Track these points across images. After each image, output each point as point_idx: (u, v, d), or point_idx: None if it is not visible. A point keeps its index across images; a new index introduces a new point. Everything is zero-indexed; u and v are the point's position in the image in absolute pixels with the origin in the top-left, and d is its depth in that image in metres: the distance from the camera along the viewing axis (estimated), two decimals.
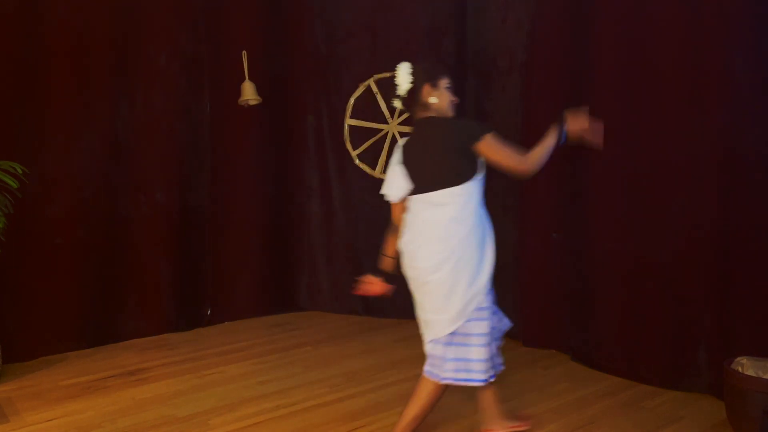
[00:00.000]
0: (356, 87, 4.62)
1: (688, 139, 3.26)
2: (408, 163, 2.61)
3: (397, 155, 2.67)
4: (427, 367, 2.61)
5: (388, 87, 4.63)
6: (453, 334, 2.52)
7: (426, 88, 2.58)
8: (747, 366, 2.86)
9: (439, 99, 2.59)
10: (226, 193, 4.55)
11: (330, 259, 4.84)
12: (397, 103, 2.67)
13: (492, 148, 2.48)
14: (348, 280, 4.82)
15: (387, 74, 4.55)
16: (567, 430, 2.94)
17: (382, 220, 4.72)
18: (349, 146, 4.65)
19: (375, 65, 4.61)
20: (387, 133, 4.60)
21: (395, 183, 2.64)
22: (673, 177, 3.32)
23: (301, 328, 4.47)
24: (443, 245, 2.48)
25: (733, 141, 3.13)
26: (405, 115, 4.52)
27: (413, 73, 2.58)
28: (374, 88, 4.58)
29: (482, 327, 2.53)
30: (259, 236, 4.70)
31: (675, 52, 3.29)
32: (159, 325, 4.25)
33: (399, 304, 4.74)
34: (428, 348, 2.59)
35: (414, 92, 2.58)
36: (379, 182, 4.63)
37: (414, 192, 2.58)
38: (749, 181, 3.09)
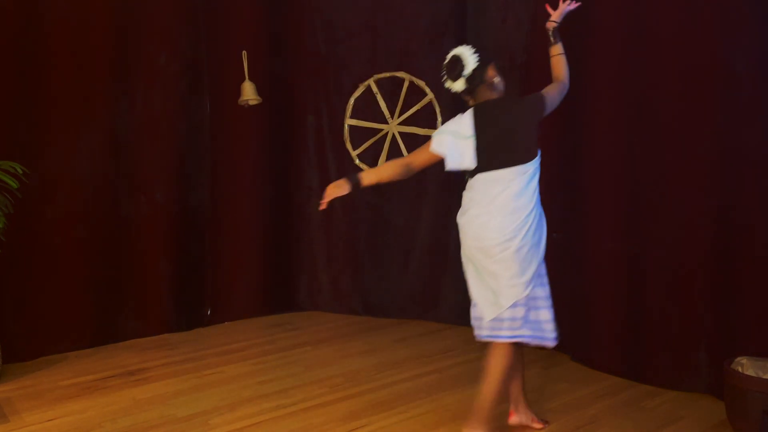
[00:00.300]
0: (356, 87, 4.62)
1: (688, 138, 3.26)
2: (481, 140, 2.68)
3: (460, 127, 2.72)
4: (505, 333, 2.68)
5: (389, 86, 4.66)
6: (527, 297, 2.70)
7: (491, 68, 2.74)
8: (747, 366, 2.86)
9: (500, 79, 2.78)
10: (226, 193, 4.55)
11: (330, 259, 4.84)
12: (459, 84, 2.72)
13: (550, 100, 2.74)
14: (348, 280, 4.83)
15: (387, 74, 4.55)
16: (567, 430, 2.94)
17: (383, 220, 4.76)
18: (349, 146, 4.65)
19: (375, 65, 4.61)
20: (387, 133, 4.60)
21: (464, 154, 2.70)
22: (673, 176, 3.32)
23: (301, 328, 4.47)
24: (514, 216, 2.63)
25: (733, 140, 3.13)
26: (405, 115, 4.52)
27: (477, 53, 2.70)
28: (374, 88, 4.57)
29: (546, 291, 2.80)
30: (259, 236, 4.70)
31: (675, 51, 3.28)
32: (159, 325, 4.25)
33: (399, 303, 4.76)
34: (508, 313, 2.67)
35: (480, 71, 2.70)
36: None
37: (484, 168, 2.68)
38: (750, 180, 3.09)
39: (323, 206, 2.75)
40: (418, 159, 2.77)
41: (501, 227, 2.63)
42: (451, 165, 2.72)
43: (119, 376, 3.54)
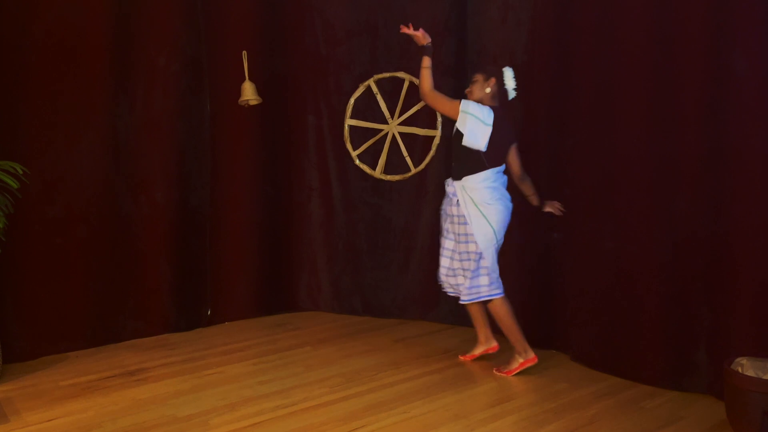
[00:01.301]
0: (356, 87, 4.62)
1: (687, 136, 3.26)
2: (497, 136, 3.46)
3: (488, 118, 3.44)
4: (496, 290, 3.55)
5: (389, 86, 4.66)
6: None
7: None
8: (747, 366, 2.86)
9: None
10: (226, 193, 4.55)
11: (330, 259, 4.84)
12: (513, 93, 3.60)
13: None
14: (348, 280, 4.83)
15: (387, 74, 4.55)
16: (567, 430, 2.94)
17: (382, 220, 4.76)
18: (349, 146, 4.65)
19: (375, 65, 4.61)
20: (387, 133, 4.60)
21: (483, 137, 3.42)
22: (672, 175, 3.32)
23: (301, 328, 4.47)
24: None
25: (732, 138, 3.13)
26: (405, 115, 4.53)
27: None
28: (374, 88, 4.57)
29: None
30: (259, 236, 4.70)
31: (672, 49, 3.28)
32: (159, 325, 4.25)
33: (399, 303, 4.76)
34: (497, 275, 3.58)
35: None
36: (379, 182, 4.67)
37: (500, 162, 3.52)
38: (749, 179, 3.09)
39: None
40: (442, 105, 3.53)
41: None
42: (467, 142, 3.41)
43: (119, 376, 3.54)
